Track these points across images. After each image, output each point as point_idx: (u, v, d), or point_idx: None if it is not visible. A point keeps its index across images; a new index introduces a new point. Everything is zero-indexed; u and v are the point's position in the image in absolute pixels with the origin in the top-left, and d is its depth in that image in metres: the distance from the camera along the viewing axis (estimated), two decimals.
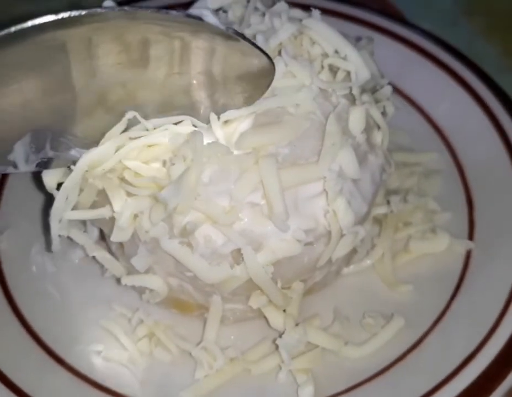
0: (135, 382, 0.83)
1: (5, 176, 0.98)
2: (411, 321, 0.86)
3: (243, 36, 0.73)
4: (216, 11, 0.88)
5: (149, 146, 0.75)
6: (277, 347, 0.83)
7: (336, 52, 0.82)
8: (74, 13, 0.67)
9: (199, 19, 0.72)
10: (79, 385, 0.81)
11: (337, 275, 0.90)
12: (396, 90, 0.98)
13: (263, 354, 0.84)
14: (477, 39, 1.26)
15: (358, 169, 0.78)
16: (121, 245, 0.82)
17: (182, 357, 0.85)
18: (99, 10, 0.68)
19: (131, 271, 0.83)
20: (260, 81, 0.76)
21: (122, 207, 0.75)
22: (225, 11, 0.88)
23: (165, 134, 0.75)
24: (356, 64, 0.81)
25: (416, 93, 1.06)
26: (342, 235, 0.79)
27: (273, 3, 0.87)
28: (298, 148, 0.77)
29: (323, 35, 0.82)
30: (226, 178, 0.75)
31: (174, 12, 0.71)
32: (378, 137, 0.84)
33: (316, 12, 0.83)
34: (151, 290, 0.83)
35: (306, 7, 1.02)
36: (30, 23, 0.66)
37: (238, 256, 0.76)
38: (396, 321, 0.86)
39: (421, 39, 1.09)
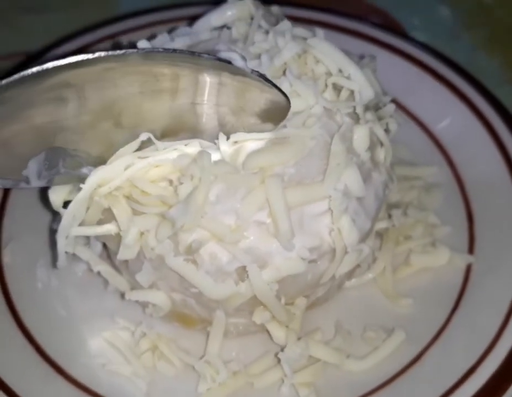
0: (139, 395, 0.83)
1: (8, 189, 0.99)
2: (412, 334, 0.86)
3: (265, 77, 0.76)
4: (221, 28, 0.90)
5: (157, 166, 0.76)
6: (279, 360, 0.83)
7: (340, 70, 0.82)
8: (94, 55, 0.70)
9: (228, 62, 0.75)
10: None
11: (339, 289, 0.91)
12: (397, 104, 0.98)
13: (265, 368, 0.85)
14: (478, 52, 1.27)
15: (363, 187, 0.79)
16: (125, 260, 0.83)
17: (185, 370, 0.85)
18: (118, 52, 0.71)
19: (135, 285, 0.84)
20: (274, 115, 0.78)
21: (128, 224, 0.75)
22: (229, 28, 0.88)
23: (173, 154, 0.76)
24: (360, 83, 0.81)
25: (417, 107, 1.06)
26: (346, 252, 0.79)
27: (277, 20, 0.88)
28: (304, 167, 0.78)
29: (327, 54, 0.82)
30: (233, 196, 0.76)
31: (205, 55, 0.74)
32: (381, 154, 0.85)
33: (319, 32, 0.84)
34: (154, 305, 0.84)
35: (309, 22, 1.04)
36: (50, 65, 0.69)
37: (242, 273, 0.77)
38: (398, 334, 0.86)
39: (422, 54, 1.10)
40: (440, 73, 1.08)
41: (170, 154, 0.76)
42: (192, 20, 1.11)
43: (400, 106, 1.03)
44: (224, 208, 0.76)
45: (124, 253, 0.77)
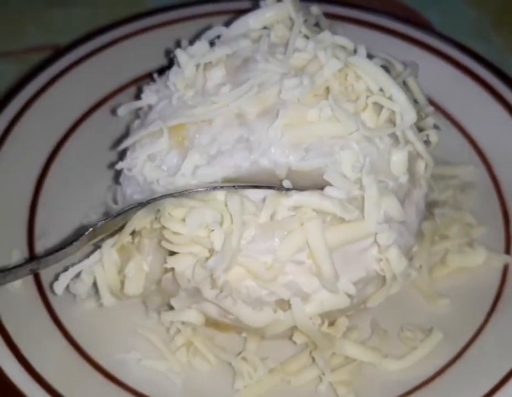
0: (175, 391, 0.83)
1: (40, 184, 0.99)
2: (449, 334, 0.86)
3: None
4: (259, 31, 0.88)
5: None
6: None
7: (381, 90, 0.80)
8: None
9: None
10: (118, 392, 0.81)
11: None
12: (432, 104, 0.97)
13: (302, 366, 0.84)
14: (508, 54, 1.26)
15: (402, 212, 0.78)
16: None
17: (220, 366, 0.85)
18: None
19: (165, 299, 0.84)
20: None
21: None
22: (268, 35, 0.87)
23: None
24: (402, 105, 0.79)
25: (453, 107, 1.06)
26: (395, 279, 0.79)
27: (316, 22, 0.87)
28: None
29: (368, 72, 0.80)
30: (270, 238, 0.75)
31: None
32: (421, 166, 0.84)
33: (362, 49, 0.83)
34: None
35: (347, 20, 1.03)
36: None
37: (282, 303, 0.77)
38: (435, 334, 0.85)
39: (457, 53, 1.09)
40: (476, 73, 1.07)
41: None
42: (222, 15, 1.11)
43: (435, 105, 1.02)
44: (261, 248, 0.75)
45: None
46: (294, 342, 0.84)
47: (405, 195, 0.81)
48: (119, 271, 0.81)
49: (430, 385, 0.82)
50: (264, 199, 0.76)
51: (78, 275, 0.83)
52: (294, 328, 0.80)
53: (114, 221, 0.80)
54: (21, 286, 0.87)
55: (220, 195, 0.77)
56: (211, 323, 0.86)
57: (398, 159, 0.79)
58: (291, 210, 0.75)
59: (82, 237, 0.80)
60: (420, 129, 0.85)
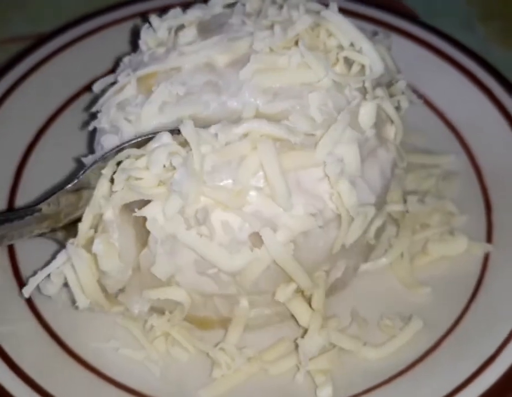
0: (153, 380, 0.82)
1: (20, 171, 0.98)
2: (429, 323, 0.85)
3: None
4: (233, 4, 0.89)
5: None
6: (296, 346, 0.82)
7: (352, 44, 0.82)
8: None
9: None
10: (96, 381, 0.81)
11: (355, 273, 0.89)
12: (414, 92, 0.97)
13: (280, 354, 0.84)
14: (492, 43, 1.26)
15: (359, 165, 0.78)
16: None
17: (199, 356, 0.84)
18: None
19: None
20: None
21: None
22: (243, 4, 0.88)
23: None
24: (371, 58, 0.81)
25: (433, 95, 1.05)
26: (352, 219, 0.78)
27: None
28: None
29: (340, 27, 0.82)
30: (228, 166, 0.75)
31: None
32: (391, 131, 0.84)
33: (334, 5, 0.84)
34: (175, 303, 0.82)
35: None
36: None
37: (256, 239, 0.76)
38: (415, 322, 0.85)
39: (439, 41, 1.09)
40: (458, 60, 1.06)
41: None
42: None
43: (417, 94, 1.02)
44: (221, 176, 0.75)
45: None
46: (273, 331, 0.84)
47: (369, 151, 0.80)
48: (93, 270, 0.80)
49: (409, 373, 0.82)
50: (216, 135, 0.76)
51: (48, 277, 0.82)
52: (276, 280, 0.79)
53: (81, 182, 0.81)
54: (0, 279, 0.87)
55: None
56: (195, 320, 0.85)
57: (366, 111, 0.80)
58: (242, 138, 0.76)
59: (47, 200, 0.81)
60: (391, 95, 0.85)
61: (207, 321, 0.86)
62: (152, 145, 0.77)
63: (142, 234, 0.80)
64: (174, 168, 0.75)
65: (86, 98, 1.07)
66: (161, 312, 0.85)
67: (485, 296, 0.87)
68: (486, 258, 0.90)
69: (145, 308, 0.83)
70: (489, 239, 0.92)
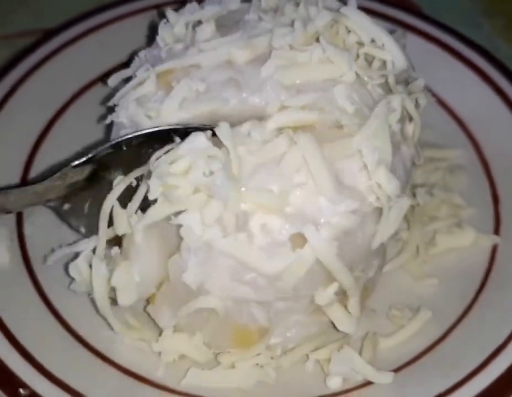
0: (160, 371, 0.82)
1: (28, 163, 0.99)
2: (437, 313, 0.86)
3: None
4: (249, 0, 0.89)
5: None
6: None
7: (372, 41, 0.82)
8: None
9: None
10: (106, 368, 0.81)
11: (381, 272, 0.89)
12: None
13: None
14: (497, 39, 1.26)
15: (391, 160, 0.78)
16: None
17: None
18: None
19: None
20: None
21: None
22: (259, 0, 0.87)
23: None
24: (393, 54, 0.81)
25: (441, 89, 1.05)
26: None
27: None
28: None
29: (360, 24, 0.81)
30: (267, 165, 0.74)
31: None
32: (409, 129, 0.84)
33: (352, 2, 0.83)
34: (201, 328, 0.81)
35: None
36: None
37: (297, 240, 0.74)
38: (424, 313, 0.86)
39: (445, 35, 1.10)
40: (465, 55, 1.07)
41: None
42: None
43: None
44: (262, 178, 0.74)
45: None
46: None
47: (395, 147, 0.80)
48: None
49: (418, 362, 0.82)
50: (249, 134, 0.75)
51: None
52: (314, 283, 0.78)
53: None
54: (10, 263, 0.87)
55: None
56: (232, 331, 0.82)
57: (393, 105, 0.79)
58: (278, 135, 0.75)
59: (54, 176, 0.81)
60: (409, 93, 0.85)
61: (246, 333, 0.82)
62: (183, 146, 0.75)
63: (169, 241, 0.78)
64: (210, 173, 0.73)
65: (96, 91, 1.06)
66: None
67: (492, 287, 0.88)
68: (494, 250, 0.91)
69: (173, 323, 0.81)
70: (496, 231, 0.93)
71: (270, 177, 0.74)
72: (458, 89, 1.06)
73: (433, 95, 1.04)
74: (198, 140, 0.74)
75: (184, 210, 0.73)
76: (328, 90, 0.78)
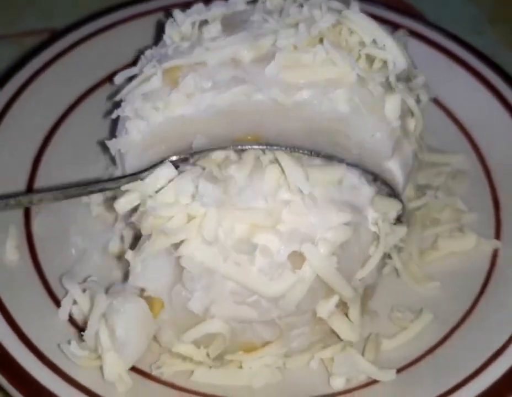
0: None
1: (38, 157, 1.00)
2: (439, 316, 0.87)
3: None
4: (254, 1, 0.91)
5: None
6: None
7: (374, 41, 0.84)
8: None
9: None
10: None
11: (380, 276, 0.90)
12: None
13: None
14: (501, 47, 1.28)
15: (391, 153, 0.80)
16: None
17: None
18: None
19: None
20: None
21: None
22: (263, 2, 0.90)
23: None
24: (394, 54, 0.84)
25: (444, 95, 1.06)
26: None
27: None
28: None
29: (362, 25, 0.84)
30: (252, 182, 0.77)
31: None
32: (411, 124, 0.86)
33: (355, 4, 0.86)
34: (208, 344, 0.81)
35: None
36: None
37: (295, 259, 0.76)
38: (425, 315, 0.87)
39: (448, 42, 1.11)
40: (467, 62, 1.08)
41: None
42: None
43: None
44: (250, 196, 0.76)
45: None
46: None
47: (395, 143, 0.82)
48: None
49: (419, 364, 0.83)
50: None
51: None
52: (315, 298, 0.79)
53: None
54: (18, 262, 0.88)
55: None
56: (239, 345, 0.83)
57: (392, 103, 0.82)
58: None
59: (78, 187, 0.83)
60: (411, 90, 0.87)
61: (251, 346, 0.83)
62: (155, 176, 0.78)
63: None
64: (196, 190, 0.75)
65: (103, 91, 1.08)
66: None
67: (493, 291, 0.89)
68: (494, 254, 0.93)
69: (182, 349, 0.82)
70: (497, 235, 0.94)
71: (257, 194, 0.76)
72: (461, 95, 1.07)
73: (436, 100, 1.06)
74: (165, 170, 0.77)
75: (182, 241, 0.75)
76: (328, 90, 0.81)
